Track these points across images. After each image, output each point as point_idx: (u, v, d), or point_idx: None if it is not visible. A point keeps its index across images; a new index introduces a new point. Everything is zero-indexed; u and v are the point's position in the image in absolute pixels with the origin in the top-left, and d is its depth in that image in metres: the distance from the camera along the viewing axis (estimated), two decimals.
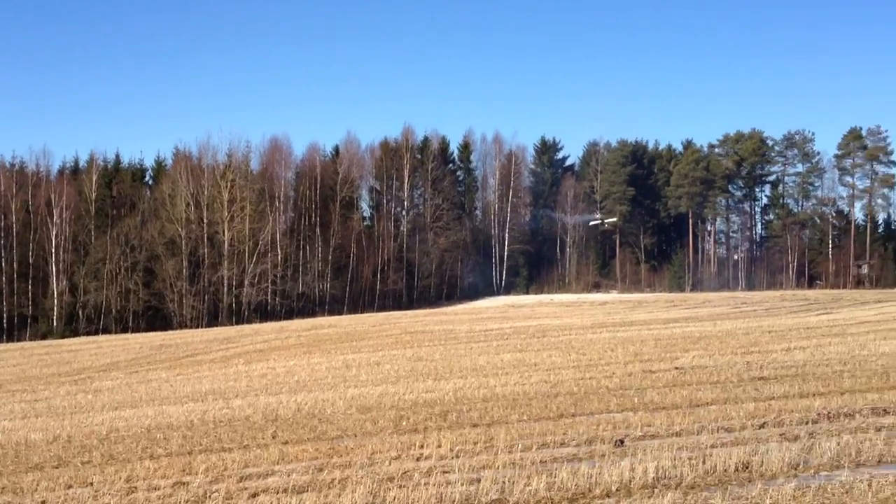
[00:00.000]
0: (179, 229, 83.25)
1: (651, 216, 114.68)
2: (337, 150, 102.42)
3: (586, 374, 21.57)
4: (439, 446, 12.42)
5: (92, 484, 11.64)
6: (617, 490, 9.14)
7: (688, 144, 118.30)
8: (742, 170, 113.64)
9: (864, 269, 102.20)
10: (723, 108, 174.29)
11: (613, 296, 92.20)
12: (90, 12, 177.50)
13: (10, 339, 74.11)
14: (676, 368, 21.67)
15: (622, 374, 21.06)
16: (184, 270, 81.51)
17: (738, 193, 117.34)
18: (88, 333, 74.46)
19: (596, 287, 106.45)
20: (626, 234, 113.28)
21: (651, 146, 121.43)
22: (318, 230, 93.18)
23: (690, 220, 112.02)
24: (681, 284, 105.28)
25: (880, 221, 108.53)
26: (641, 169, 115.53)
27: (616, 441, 11.93)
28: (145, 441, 15.50)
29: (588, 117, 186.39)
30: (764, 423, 12.89)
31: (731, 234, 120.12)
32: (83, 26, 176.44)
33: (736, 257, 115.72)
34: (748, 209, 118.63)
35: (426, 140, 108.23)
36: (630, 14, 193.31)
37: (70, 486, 11.62)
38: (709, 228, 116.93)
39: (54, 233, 79.91)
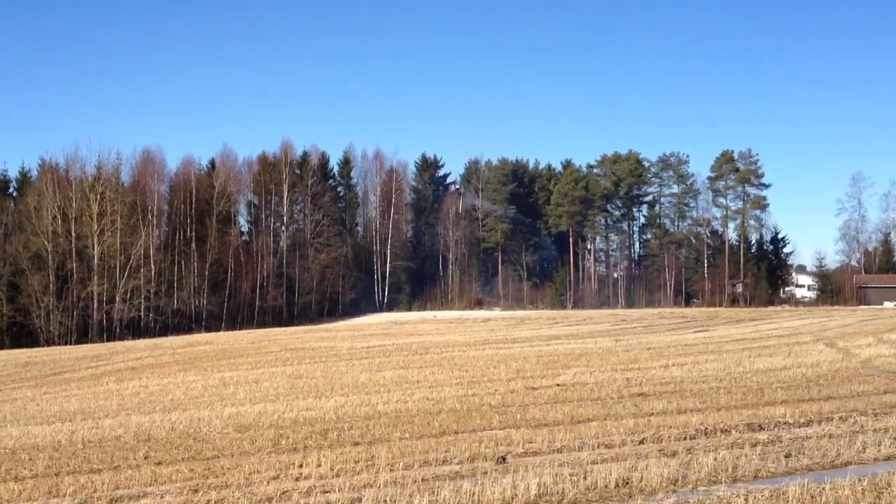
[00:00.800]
0: (46, 243, 79.68)
1: (533, 234, 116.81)
2: (213, 163, 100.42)
3: (469, 391, 21.60)
4: (319, 466, 12.13)
5: None
6: None
7: (567, 164, 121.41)
8: (620, 190, 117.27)
9: (739, 288, 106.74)
10: (601, 130, 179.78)
11: (496, 313, 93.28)
12: None
13: None
14: (558, 385, 21.96)
15: (505, 391, 21.18)
16: (51, 285, 78.05)
17: (617, 213, 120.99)
18: None
19: (479, 304, 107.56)
20: (508, 252, 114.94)
21: (531, 165, 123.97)
22: (193, 245, 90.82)
23: (571, 239, 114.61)
24: (563, 302, 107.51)
25: (753, 242, 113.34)
26: (522, 188, 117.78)
27: (498, 458, 11.91)
28: (9, 463, 14.61)
29: (468, 135, 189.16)
30: (643, 439, 13.11)
31: (610, 252, 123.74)
32: None
33: (616, 275, 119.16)
34: (626, 228, 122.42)
35: (305, 155, 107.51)
36: (509, 33, 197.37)
37: None
38: (589, 247, 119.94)
39: None
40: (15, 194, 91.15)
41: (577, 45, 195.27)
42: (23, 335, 76.76)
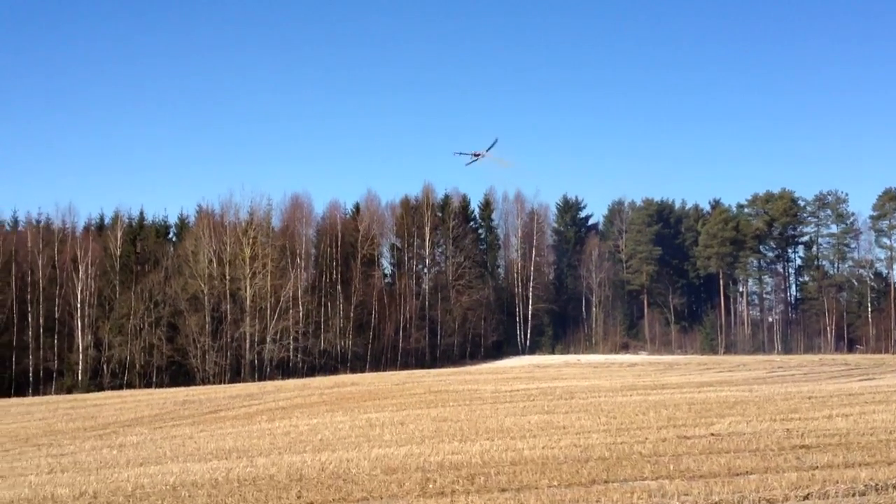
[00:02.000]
0: (202, 285, 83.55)
1: (680, 276, 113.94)
2: (357, 207, 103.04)
3: (618, 439, 20.97)
4: None
5: None
6: None
7: (716, 204, 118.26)
8: (773, 230, 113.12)
9: None
10: (750, 168, 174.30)
11: (643, 357, 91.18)
12: (115, 73, 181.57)
13: (35, 392, 74.16)
14: (712, 434, 21.04)
15: (655, 440, 20.45)
16: (207, 326, 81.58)
17: (770, 254, 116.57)
18: (113, 388, 74.37)
19: (624, 348, 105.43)
20: (653, 295, 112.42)
21: (678, 205, 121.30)
22: (339, 287, 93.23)
23: (721, 281, 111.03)
24: (713, 347, 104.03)
25: None
26: (668, 228, 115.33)
27: None
28: (170, 499, 15.17)
29: (611, 176, 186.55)
30: (808, 493, 12.38)
31: (764, 295, 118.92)
32: (107, 87, 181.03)
33: (770, 319, 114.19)
34: (781, 270, 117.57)
35: (447, 198, 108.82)
36: (656, 72, 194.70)
37: None
38: (741, 290, 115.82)
39: (80, 288, 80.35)
40: (174, 239, 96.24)
41: (724, 83, 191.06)
42: (180, 374, 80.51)
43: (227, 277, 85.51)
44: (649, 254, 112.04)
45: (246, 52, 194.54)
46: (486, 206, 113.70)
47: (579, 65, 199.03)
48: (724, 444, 19.24)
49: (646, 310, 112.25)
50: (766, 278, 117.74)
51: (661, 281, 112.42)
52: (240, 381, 76.20)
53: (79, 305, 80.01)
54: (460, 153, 63.01)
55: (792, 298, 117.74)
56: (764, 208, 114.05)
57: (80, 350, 78.54)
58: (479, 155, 61.13)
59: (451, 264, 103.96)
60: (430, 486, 14.85)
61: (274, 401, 45.70)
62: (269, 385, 64.21)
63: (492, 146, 60.81)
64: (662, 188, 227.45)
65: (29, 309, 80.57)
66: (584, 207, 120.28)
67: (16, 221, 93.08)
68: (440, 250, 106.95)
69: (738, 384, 43.76)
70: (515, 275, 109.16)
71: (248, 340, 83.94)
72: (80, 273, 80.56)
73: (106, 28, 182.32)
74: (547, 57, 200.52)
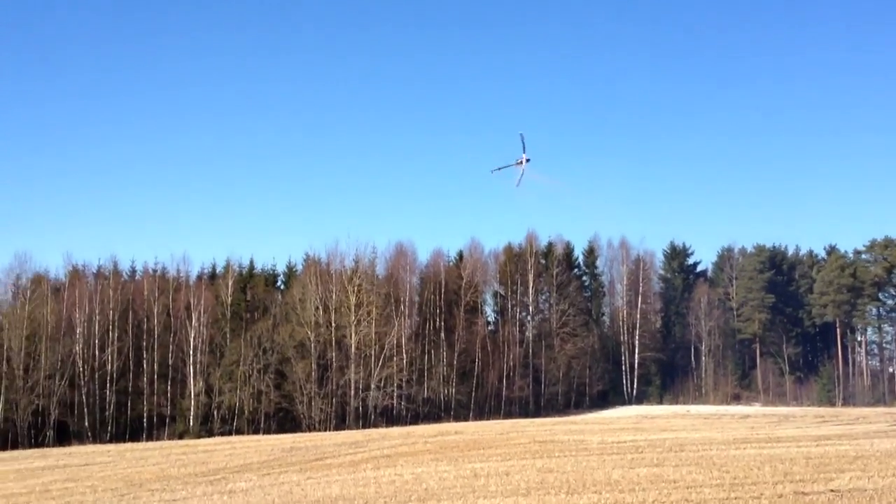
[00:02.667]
0: (309, 332, 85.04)
1: (794, 325, 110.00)
2: (461, 255, 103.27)
3: (731, 494, 20.16)
4: None
5: None
6: None
7: (831, 250, 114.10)
8: (893, 277, 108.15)
9: None
10: (868, 212, 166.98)
11: (756, 408, 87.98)
12: (222, 127, 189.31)
13: (149, 437, 76.59)
14: (832, 491, 20.01)
15: (771, 495, 19.57)
16: (313, 373, 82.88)
17: (890, 302, 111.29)
18: (223, 433, 76.17)
19: (736, 399, 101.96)
20: (766, 344, 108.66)
21: (790, 252, 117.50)
22: (442, 335, 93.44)
23: (838, 330, 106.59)
24: (831, 398, 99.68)
25: None
26: (781, 275, 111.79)
27: None
28: None
29: (720, 221, 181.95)
30: None
31: (884, 345, 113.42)
32: (217, 139, 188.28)
33: (891, 370, 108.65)
34: None
35: (550, 245, 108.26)
36: (760, 116, 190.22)
37: None
38: (859, 339, 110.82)
39: (192, 335, 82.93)
40: (282, 287, 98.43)
41: (833, 124, 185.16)
42: (287, 420, 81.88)
43: (333, 325, 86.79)
44: (761, 301, 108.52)
45: (349, 107, 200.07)
46: (591, 252, 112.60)
47: (688, 112, 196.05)
48: (844, 500, 18.27)
49: (758, 359, 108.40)
50: (886, 327, 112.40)
51: (775, 329, 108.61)
52: (345, 428, 76.93)
53: (191, 352, 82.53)
54: (500, 168, 51.96)
55: None
56: (883, 254, 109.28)
57: (192, 396, 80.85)
58: (521, 163, 50.31)
59: (554, 312, 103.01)
60: None
61: (378, 448, 45.85)
62: (373, 433, 64.55)
63: (524, 148, 50.56)
64: (774, 234, 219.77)
65: (144, 356, 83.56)
66: (691, 254, 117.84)
67: (133, 271, 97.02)
68: (544, 298, 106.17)
69: (858, 437, 41.68)
70: (621, 322, 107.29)
71: (352, 387, 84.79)
72: (193, 321, 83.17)
73: (221, 85, 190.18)
74: (652, 104, 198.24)
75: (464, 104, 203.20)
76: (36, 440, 73.14)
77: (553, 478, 26.38)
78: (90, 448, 64.88)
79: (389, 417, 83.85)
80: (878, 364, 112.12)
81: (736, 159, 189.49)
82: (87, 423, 77.42)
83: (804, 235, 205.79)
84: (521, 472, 28.88)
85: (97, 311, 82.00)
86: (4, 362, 75.77)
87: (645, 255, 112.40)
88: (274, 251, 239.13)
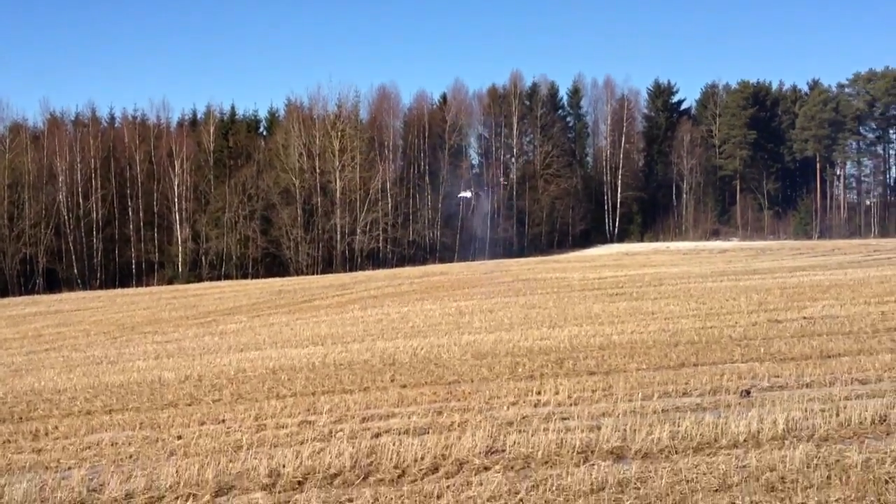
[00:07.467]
0: (293, 179, 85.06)
1: (775, 161, 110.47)
2: (444, 97, 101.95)
3: (707, 324, 20.92)
4: (557, 393, 12.26)
5: (224, 421, 12.03)
6: (745, 441, 8.77)
7: (814, 85, 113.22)
8: (875, 111, 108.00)
9: None
10: (852, 46, 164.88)
11: (734, 243, 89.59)
12: None
13: (139, 283, 77.82)
14: (805, 318, 20.77)
15: (746, 324, 20.32)
16: (299, 218, 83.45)
17: (871, 136, 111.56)
18: (211, 279, 77.38)
19: (715, 234, 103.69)
20: (747, 180, 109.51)
21: (774, 87, 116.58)
22: (427, 178, 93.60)
23: (818, 165, 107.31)
24: (807, 231, 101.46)
25: None
26: (764, 111, 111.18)
27: (742, 391, 11.49)
28: (271, 381, 15.91)
29: (704, 58, 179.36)
30: None
31: (862, 178, 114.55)
32: None
33: (868, 203, 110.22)
34: (881, 152, 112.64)
35: (535, 86, 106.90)
36: None
37: (203, 423, 12.04)
38: (838, 173, 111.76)
39: (176, 182, 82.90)
40: (265, 133, 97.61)
41: None
42: (275, 265, 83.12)
43: (318, 170, 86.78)
44: (743, 138, 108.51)
45: None
46: (575, 92, 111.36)
47: None
48: (816, 327, 19.00)
49: (738, 196, 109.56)
50: (865, 161, 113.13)
51: (755, 166, 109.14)
52: (332, 272, 78.26)
53: (176, 199, 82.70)
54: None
55: (891, 181, 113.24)
56: (865, 87, 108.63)
57: (179, 242, 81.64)
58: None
59: (539, 153, 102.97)
60: (520, 369, 15.17)
61: (365, 290, 46.86)
62: (360, 275, 65.80)
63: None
64: (759, 70, 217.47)
65: (129, 203, 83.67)
66: (676, 92, 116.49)
67: (112, 118, 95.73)
68: (528, 139, 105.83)
69: (832, 268, 42.82)
70: (604, 163, 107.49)
71: (338, 232, 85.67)
72: (177, 168, 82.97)
73: None
74: None
75: None
76: (26, 288, 74.17)
77: (535, 313, 27.22)
78: (81, 294, 66.00)
79: (375, 260, 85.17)
80: (855, 198, 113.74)
81: None
82: (75, 271, 78.38)
83: (789, 71, 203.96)
84: (505, 308, 29.74)
85: (78, 160, 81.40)
86: None
87: (629, 93, 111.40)
88: (255, 97, 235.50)
